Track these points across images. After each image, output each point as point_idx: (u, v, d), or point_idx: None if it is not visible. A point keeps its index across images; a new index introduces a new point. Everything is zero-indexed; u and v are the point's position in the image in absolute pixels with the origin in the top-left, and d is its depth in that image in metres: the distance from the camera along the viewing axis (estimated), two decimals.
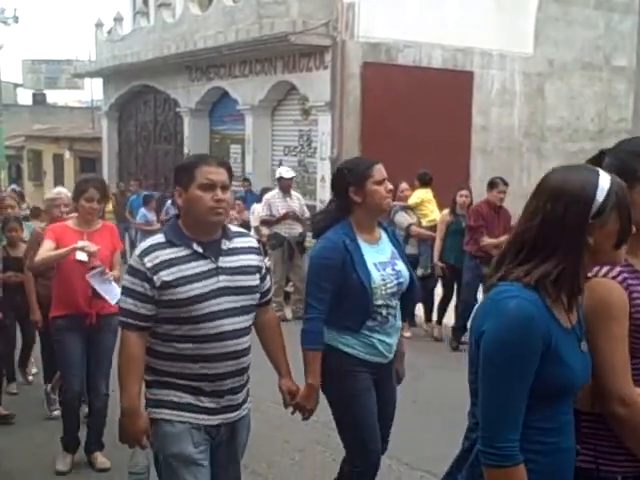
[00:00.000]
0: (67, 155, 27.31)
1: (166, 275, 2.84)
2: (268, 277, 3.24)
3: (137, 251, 2.93)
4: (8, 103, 33.33)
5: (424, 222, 8.95)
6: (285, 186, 10.06)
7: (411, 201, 9.05)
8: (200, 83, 17.62)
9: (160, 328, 2.91)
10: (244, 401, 3.07)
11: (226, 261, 2.95)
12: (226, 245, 2.98)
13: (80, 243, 4.74)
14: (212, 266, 2.91)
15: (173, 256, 2.87)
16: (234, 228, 3.14)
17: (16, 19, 30.02)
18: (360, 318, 3.41)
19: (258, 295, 3.08)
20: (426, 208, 9.12)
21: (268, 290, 3.23)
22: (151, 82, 19.65)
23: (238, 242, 3.05)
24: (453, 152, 14.19)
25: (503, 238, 7.77)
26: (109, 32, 22.08)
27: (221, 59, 16.17)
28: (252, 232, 10.36)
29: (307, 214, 10.11)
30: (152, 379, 2.97)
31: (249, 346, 3.01)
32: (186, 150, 18.57)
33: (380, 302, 3.43)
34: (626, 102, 16.27)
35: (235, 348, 2.93)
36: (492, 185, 8.24)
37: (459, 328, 8.21)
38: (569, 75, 16.29)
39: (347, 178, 3.49)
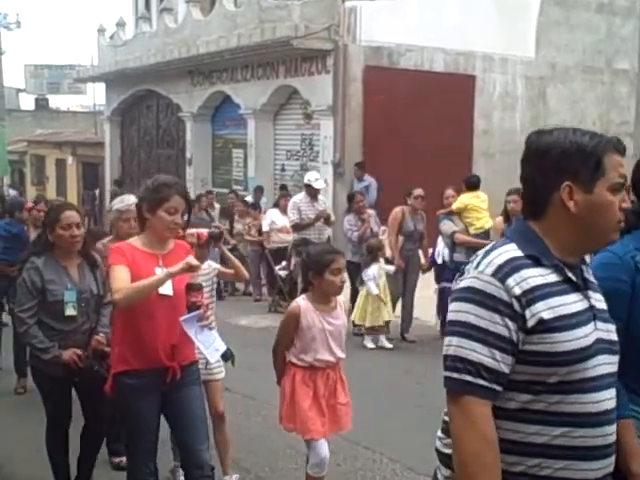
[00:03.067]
0: (70, 160, 27.34)
1: (545, 311, 1.78)
2: None
3: (485, 267, 1.83)
4: (11, 108, 33.40)
5: (471, 230, 8.26)
6: (313, 194, 9.77)
7: (454, 206, 8.35)
8: (202, 88, 17.65)
9: (511, 399, 1.82)
10: None
11: (595, 298, 1.92)
12: (589, 273, 1.97)
13: (190, 259, 3.42)
14: (586, 305, 1.88)
15: (544, 281, 1.81)
16: None
17: (18, 24, 30.05)
18: None
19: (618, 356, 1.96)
20: (471, 215, 8.35)
21: None
22: (153, 87, 19.69)
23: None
24: (455, 156, 14.19)
25: None
26: (111, 37, 22.13)
27: (223, 64, 16.19)
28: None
29: (333, 217, 10.05)
30: None
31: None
32: (188, 155, 18.61)
33: None
34: (628, 105, 16.29)
35: (614, 437, 1.90)
36: None
37: None
38: (571, 78, 16.30)
39: None
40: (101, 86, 23.97)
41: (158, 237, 3.55)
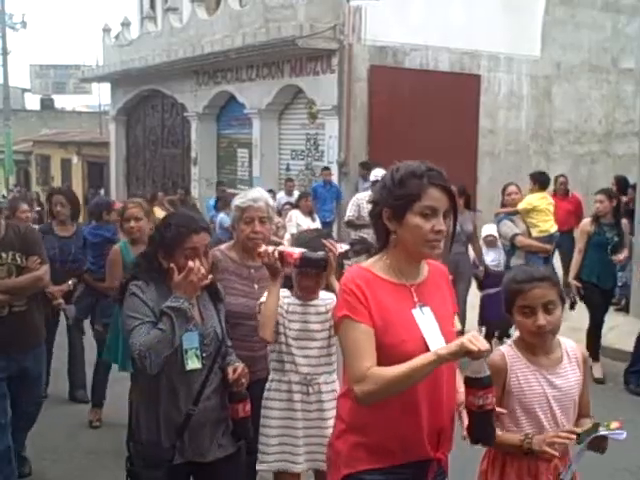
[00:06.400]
0: (75, 160, 27.41)
1: None
2: None
3: None
4: (16, 108, 33.48)
5: (534, 233, 7.44)
6: None
7: (520, 206, 7.51)
8: (207, 87, 17.66)
9: None
10: None
11: None
12: None
13: (468, 340, 2.08)
14: None
15: None
16: None
17: (24, 24, 30.15)
18: None
19: None
20: (537, 216, 7.59)
21: None
22: (159, 87, 19.70)
23: None
24: (460, 155, 14.17)
25: None
26: (117, 37, 22.16)
27: (228, 63, 16.20)
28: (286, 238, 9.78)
29: None
30: None
31: None
32: (193, 154, 18.63)
33: None
34: (633, 104, 16.27)
35: None
36: None
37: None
38: (576, 78, 16.27)
39: None
40: (106, 86, 24.01)
41: (410, 258, 2.33)
